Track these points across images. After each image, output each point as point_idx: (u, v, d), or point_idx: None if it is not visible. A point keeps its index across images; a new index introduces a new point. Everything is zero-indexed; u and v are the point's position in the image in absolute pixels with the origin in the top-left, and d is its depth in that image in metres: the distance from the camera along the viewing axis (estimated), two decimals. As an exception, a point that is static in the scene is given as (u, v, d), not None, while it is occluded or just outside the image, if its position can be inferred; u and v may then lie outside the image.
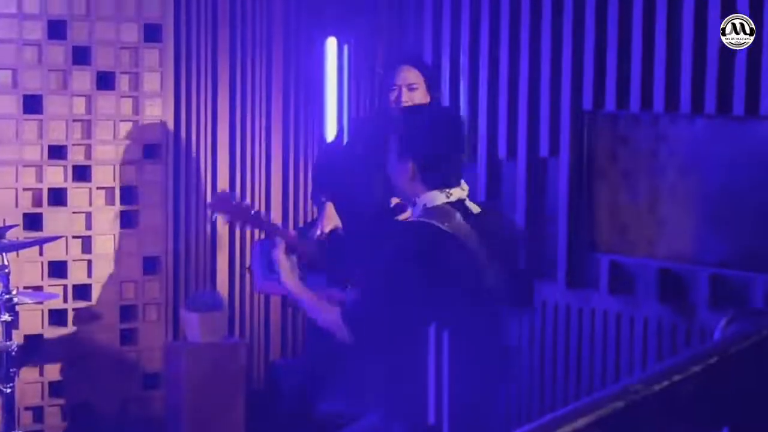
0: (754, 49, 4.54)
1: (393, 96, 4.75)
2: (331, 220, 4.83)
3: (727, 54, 4.61)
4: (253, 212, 4.03)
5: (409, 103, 4.73)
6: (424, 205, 3.54)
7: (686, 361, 1.84)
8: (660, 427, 1.81)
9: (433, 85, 4.81)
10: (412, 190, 3.58)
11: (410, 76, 4.75)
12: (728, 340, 1.90)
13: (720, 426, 1.87)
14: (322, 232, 4.77)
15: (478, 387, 3.56)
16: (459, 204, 3.56)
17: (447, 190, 3.54)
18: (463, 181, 3.61)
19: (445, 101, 5.64)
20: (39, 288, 5.54)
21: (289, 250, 3.83)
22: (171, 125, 5.81)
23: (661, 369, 1.84)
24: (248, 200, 6.00)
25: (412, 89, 4.73)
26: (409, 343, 3.43)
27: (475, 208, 3.61)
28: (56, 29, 5.56)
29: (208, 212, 3.86)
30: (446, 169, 3.57)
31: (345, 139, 5.59)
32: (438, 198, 3.53)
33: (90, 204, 5.67)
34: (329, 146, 5.74)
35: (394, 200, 4.71)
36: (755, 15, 4.52)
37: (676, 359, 1.87)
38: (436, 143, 3.58)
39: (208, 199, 5.91)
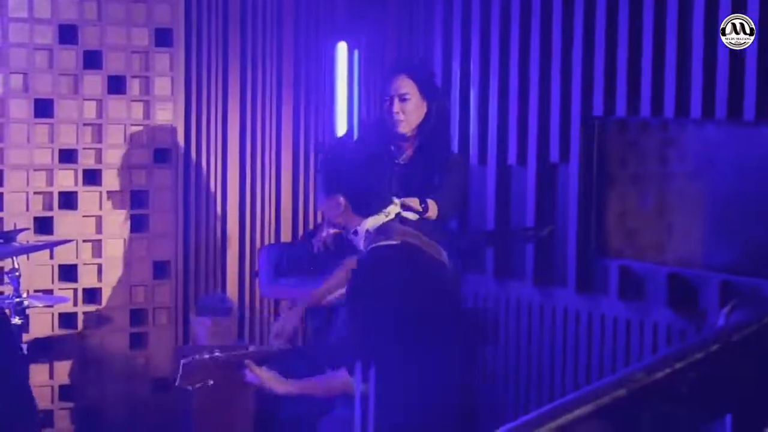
0: (764, 54, 4.53)
1: (385, 105, 4.72)
2: None
3: (737, 59, 4.60)
4: (218, 357, 3.82)
5: (400, 114, 4.68)
6: (367, 230, 3.68)
7: (688, 349, 1.83)
8: (662, 414, 1.81)
9: (428, 94, 4.73)
10: (348, 222, 3.73)
11: (402, 85, 4.68)
12: (730, 327, 1.89)
13: (722, 413, 1.87)
14: (327, 234, 4.75)
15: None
16: (398, 218, 3.74)
17: (384, 210, 3.70)
18: (393, 198, 3.77)
19: (455, 107, 5.64)
20: (49, 291, 5.56)
21: (260, 363, 3.80)
22: (181, 129, 5.82)
23: (663, 356, 1.83)
24: (258, 208, 6.02)
25: (404, 99, 4.66)
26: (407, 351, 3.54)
27: (412, 216, 3.82)
28: (67, 34, 5.58)
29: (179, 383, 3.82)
30: (376, 200, 3.71)
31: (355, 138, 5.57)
32: (379, 220, 3.68)
33: (100, 208, 5.69)
34: (339, 140, 5.71)
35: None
36: (766, 20, 4.51)
37: (678, 347, 1.86)
38: (361, 179, 3.71)
39: (218, 203, 5.93)
